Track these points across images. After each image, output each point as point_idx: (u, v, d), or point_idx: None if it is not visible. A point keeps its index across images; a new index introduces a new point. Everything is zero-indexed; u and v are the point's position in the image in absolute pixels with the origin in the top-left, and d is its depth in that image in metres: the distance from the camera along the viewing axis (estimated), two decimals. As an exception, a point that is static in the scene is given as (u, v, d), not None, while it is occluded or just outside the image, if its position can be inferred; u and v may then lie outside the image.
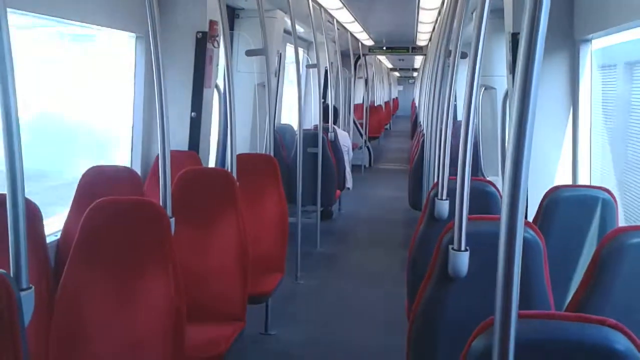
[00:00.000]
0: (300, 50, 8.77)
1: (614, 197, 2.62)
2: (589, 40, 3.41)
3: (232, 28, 5.61)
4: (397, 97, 27.79)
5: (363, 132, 11.34)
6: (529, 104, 1.09)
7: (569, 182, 3.63)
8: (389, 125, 19.74)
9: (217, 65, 4.32)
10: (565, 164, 3.62)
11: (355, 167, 9.13)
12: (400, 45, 11.64)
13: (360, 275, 5.31)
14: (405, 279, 3.03)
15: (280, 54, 6.03)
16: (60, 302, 2.23)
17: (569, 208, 2.62)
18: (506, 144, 4.32)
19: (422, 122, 8.75)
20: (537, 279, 1.90)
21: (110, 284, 2.25)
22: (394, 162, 12.70)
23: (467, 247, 1.87)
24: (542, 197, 3.16)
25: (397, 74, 26.94)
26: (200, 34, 4.00)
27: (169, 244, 2.30)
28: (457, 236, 1.87)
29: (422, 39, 10.24)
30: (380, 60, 17.99)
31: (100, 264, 2.26)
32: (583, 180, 3.54)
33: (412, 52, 11.77)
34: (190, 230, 2.93)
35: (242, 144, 5.41)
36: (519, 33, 3.63)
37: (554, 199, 2.65)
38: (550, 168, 3.68)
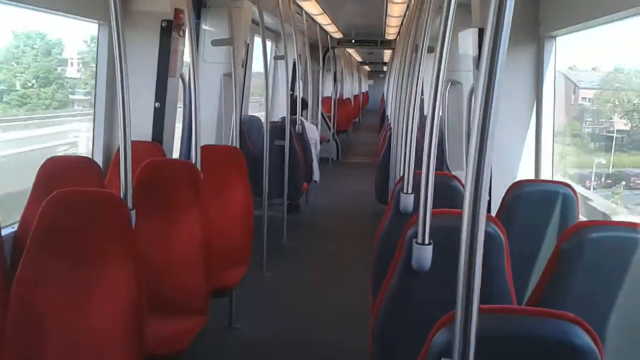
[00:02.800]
0: (268, 42, 8.70)
1: (574, 192, 2.66)
2: (553, 37, 3.45)
3: (198, 17, 5.52)
4: (367, 91, 27.86)
5: (331, 125, 11.33)
6: (492, 99, 1.08)
7: (532, 177, 3.68)
8: (358, 119, 19.78)
9: (183, 54, 4.24)
10: (528, 159, 3.67)
11: (322, 160, 9.12)
12: (369, 39, 11.65)
13: (326, 269, 5.31)
14: (371, 269, 3.04)
15: (248, 44, 5.96)
16: (16, 296, 2.16)
17: (531, 203, 2.65)
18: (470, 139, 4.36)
19: (389, 116, 8.78)
20: (498, 272, 1.91)
21: (68, 277, 2.19)
22: (362, 155, 12.73)
23: (431, 241, 1.87)
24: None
25: (367, 68, 26.98)
26: (165, 22, 3.92)
27: (129, 236, 2.25)
28: (421, 230, 1.87)
29: (390, 33, 10.27)
30: (349, 54, 17.99)
31: (58, 257, 2.19)
32: (545, 175, 3.60)
33: (380, 45, 11.79)
34: (153, 223, 2.87)
35: (207, 136, 5.34)
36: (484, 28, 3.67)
37: (516, 193, 2.68)
38: (514, 163, 3.73)
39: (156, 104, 4.01)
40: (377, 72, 27.35)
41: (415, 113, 2.98)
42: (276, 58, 7.86)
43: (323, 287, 4.81)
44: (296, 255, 5.64)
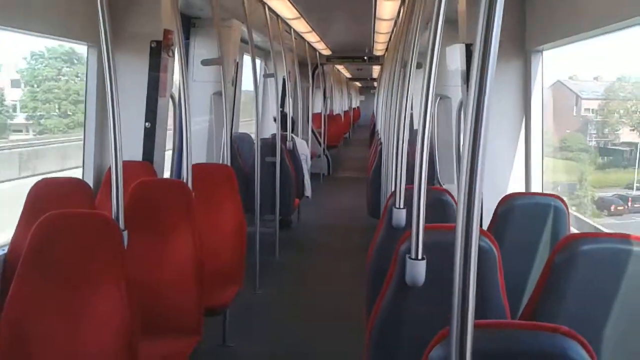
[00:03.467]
0: (258, 60, 8.75)
1: (565, 204, 2.68)
2: (540, 51, 3.49)
3: (187, 37, 5.55)
4: (358, 107, 28.00)
5: (321, 140, 11.36)
6: (482, 113, 1.09)
7: (522, 189, 3.70)
8: (348, 134, 19.84)
9: (172, 74, 4.25)
10: (518, 172, 3.70)
11: (314, 176, 9.13)
12: (357, 55, 11.73)
13: (319, 284, 5.29)
14: (365, 285, 3.03)
15: (237, 63, 5.99)
16: (6, 319, 2.14)
17: (523, 216, 2.67)
18: (461, 153, 4.39)
19: (379, 131, 8.82)
20: (492, 287, 1.92)
21: (59, 299, 2.17)
22: (352, 170, 12.76)
23: (424, 256, 1.87)
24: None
25: (358, 84, 27.16)
26: (155, 43, 3.93)
27: (121, 257, 2.24)
28: (414, 245, 1.87)
29: (378, 49, 10.35)
30: (338, 70, 18.09)
31: (49, 279, 2.18)
32: (535, 187, 3.62)
33: (368, 61, 11.87)
34: (145, 243, 2.86)
35: (198, 154, 5.34)
36: (472, 44, 3.71)
37: (507, 207, 2.69)
38: (504, 176, 3.76)
39: (146, 124, 4.01)
40: (368, 87, 27.54)
41: (405, 128, 3.00)
42: (265, 76, 7.90)
43: (317, 303, 4.79)
44: (289, 271, 5.62)
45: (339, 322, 4.38)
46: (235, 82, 5.91)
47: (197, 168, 3.59)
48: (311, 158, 8.35)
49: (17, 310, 2.13)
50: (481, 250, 1.91)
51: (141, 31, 3.92)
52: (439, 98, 5.48)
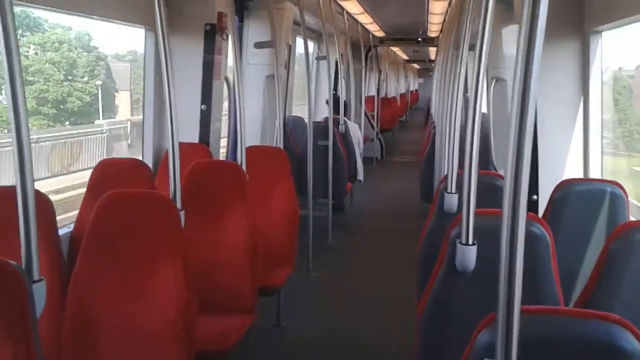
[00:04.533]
0: (310, 43, 8.75)
1: (624, 191, 2.60)
2: (599, 32, 3.37)
3: (241, 20, 5.60)
4: (416, 90, 27.58)
5: (374, 124, 11.29)
6: (528, 94, 1.08)
7: (581, 175, 3.60)
8: (404, 117, 19.60)
9: (227, 57, 4.32)
10: (576, 157, 3.60)
11: (366, 160, 9.11)
12: (411, 37, 11.56)
13: (372, 268, 5.31)
14: (416, 269, 3.04)
15: (290, 45, 6.02)
16: (72, 295, 2.25)
17: (579, 202, 2.60)
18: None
19: (433, 115, 8.71)
20: (545, 273, 1.89)
21: (120, 277, 2.27)
22: (407, 154, 12.64)
23: (475, 241, 1.86)
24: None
25: (416, 65, 26.71)
26: (209, 26, 4.00)
27: (178, 237, 2.32)
28: (465, 230, 1.86)
29: (433, 30, 10.18)
30: (394, 52, 17.86)
31: (111, 257, 2.28)
32: (594, 174, 3.51)
33: (422, 43, 11.69)
34: (200, 223, 2.95)
35: (253, 137, 5.42)
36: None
37: (563, 193, 2.63)
38: (561, 162, 3.66)
39: (202, 107, 4.10)
40: (426, 69, 27.07)
41: (457, 111, 2.96)
42: (318, 59, 7.89)
43: (368, 286, 4.82)
44: (342, 254, 5.67)
45: (390, 305, 4.39)
46: (289, 65, 5.94)
47: (250, 151, 3.65)
48: (364, 142, 8.31)
49: (81, 287, 2.24)
50: (533, 237, 1.89)
51: (195, 14, 4.00)
52: (494, 80, 5.36)
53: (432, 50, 16.47)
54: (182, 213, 2.44)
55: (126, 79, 11.55)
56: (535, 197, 3.64)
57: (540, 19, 1.05)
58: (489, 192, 2.78)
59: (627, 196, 2.59)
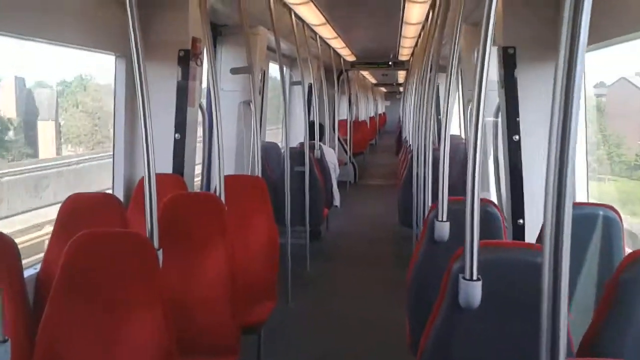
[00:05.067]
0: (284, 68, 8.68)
1: (618, 214, 2.52)
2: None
3: (214, 45, 5.49)
4: (384, 113, 27.77)
5: (347, 148, 11.25)
6: (571, 110, 0.97)
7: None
8: (374, 140, 19.67)
9: (201, 83, 4.19)
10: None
11: (340, 184, 9.01)
12: (382, 61, 11.61)
13: (353, 296, 5.17)
14: (406, 301, 2.91)
15: (264, 71, 5.92)
16: (41, 343, 2.06)
17: (573, 227, 2.52)
18: (499, 159, 4.24)
19: (407, 138, 8.68)
20: None
21: (94, 323, 2.09)
22: (379, 177, 12.61)
23: (479, 276, 1.75)
24: (540, 217, 3.01)
25: (383, 89, 26.98)
26: (183, 52, 3.87)
27: (156, 278, 2.15)
28: (469, 265, 1.74)
29: (404, 54, 10.22)
30: (363, 76, 17.98)
31: (84, 302, 2.10)
32: (580, 197, 3.45)
33: (393, 67, 11.74)
34: (178, 260, 2.77)
35: (227, 165, 5.25)
36: (510, 47, 3.56)
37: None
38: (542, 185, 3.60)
39: (176, 135, 3.94)
40: (393, 93, 27.34)
41: (448, 135, 2.88)
42: (293, 84, 7.82)
43: (351, 315, 4.67)
44: (321, 283, 5.51)
45: (375, 334, 4.26)
46: (263, 90, 5.83)
47: (228, 180, 3.50)
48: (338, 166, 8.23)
49: (52, 334, 2.05)
50: (540, 267, 1.78)
51: (168, 40, 3.86)
52: (470, 103, 5.34)
53: (401, 74, 16.62)
54: (159, 252, 2.28)
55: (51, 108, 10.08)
56: (521, 221, 3.57)
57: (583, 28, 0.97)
58: (480, 219, 2.69)
59: (621, 220, 2.52)
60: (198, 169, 4.92)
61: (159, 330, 2.10)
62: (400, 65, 11.52)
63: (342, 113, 13.05)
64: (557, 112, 1.00)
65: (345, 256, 6.56)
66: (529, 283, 1.77)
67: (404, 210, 6.25)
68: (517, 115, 3.48)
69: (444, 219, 2.62)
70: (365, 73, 17.01)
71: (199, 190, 4.64)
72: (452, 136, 4.29)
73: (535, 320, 1.82)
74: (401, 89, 23.68)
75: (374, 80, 21.11)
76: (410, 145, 7.32)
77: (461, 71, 5.62)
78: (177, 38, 3.85)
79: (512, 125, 3.52)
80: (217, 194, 3.30)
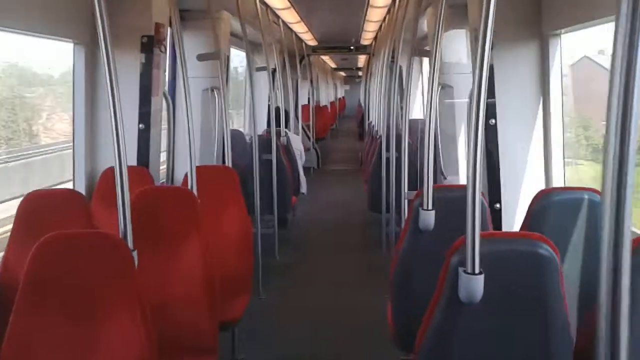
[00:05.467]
0: (243, 53, 8.46)
1: None
2: (558, 35, 3.30)
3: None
4: (343, 97, 27.66)
5: (310, 134, 11.13)
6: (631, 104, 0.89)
7: (542, 182, 3.52)
8: (335, 125, 19.60)
9: (165, 71, 4.00)
10: (538, 164, 3.51)
11: (304, 170, 8.91)
12: (344, 45, 11.51)
13: (325, 285, 5.09)
14: (390, 292, 2.83)
15: (228, 57, 5.74)
16: (8, 356, 1.90)
17: (559, 212, 2.48)
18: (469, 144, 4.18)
19: (373, 123, 8.61)
20: (555, 298, 1.72)
21: (67, 333, 1.93)
22: (342, 162, 12.55)
23: (481, 270, 1.67)
24: (515, 201, 2.98)
25: (342, 73, 26.83)
26: (146, 38, 3.67)
27: (133, 281, 2.00)
28: (470, 258, 1.66)
29: (366, 38, 10.13)
30: (323, 61, 17.83)
31: (54, 311, 1.93)
32: (557, 183, 3.44)
33: (355, 51, 11.65)
34: (151, 259, 2.62)
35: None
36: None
37: (543, 203, 2.49)
38: (522, 168, 3.57)
39: (140, 126, 3.76)
40: (352, 77, 27.21)
41: (431, 125, 2.80)
42: (258, 69, 7.64)
43: (324, 305, 4.59)
44: (292, 272, 5.41)
45: (349, 323, 4.20)
46: (227, 76, 5.65)
47: (198, 171, 3.35)
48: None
49: (19, 347, 1.88)
50: (543, 259, 1.71)
51: (130, 25, 3.66)
52: (440, 87, 5.28)
53: (361, 58, 16.55)
54: (134, 254, 2.12)
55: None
56: (497, 205, 3.53)
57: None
58: (464, 208, 2.62)
59: None
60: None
61: (139, 336, 1.97)
62: (362, 49, 11.45)
63: (303, 99, 12.92)
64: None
65: (315, 244, 6.47)
66: (531, 275, 1.71)
67: (374, 197, 6.19)
68: (494, 99, 3.44)
69: (430, 207, 2.54)
70: (325, 58, 16.89)
71: (163, 182, 4.45)
72: (417, 120, 4.25)
73: (538, 314, 1.77)
74: (360, 73, 23.64)
75: (333, 65, 21.00)
76: (377, 131, 7.25)
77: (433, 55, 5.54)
78: (139, 23, 3.65)
79: (489, 109, 3.46)
80: (189, 186, 3.14)
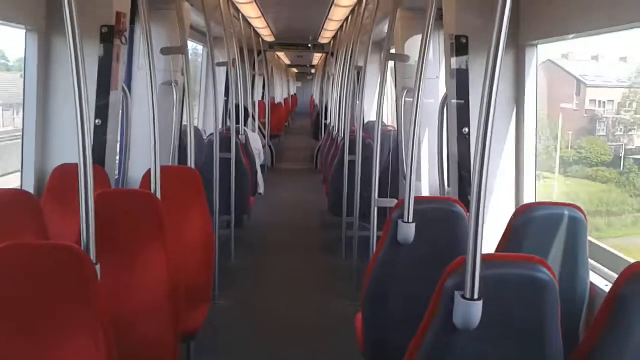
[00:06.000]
0: (200, 46, 8.20)
1: (583, 214, 2.46)
2: (534, 45, 3.27)
3: (132, 22, 5.01)
4: (295, 94, 27.47)
5: (265, 131, 10.94)
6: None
7: (511, 197, 3.48)
8: (287, 122, 19.41)
9: (124, 64, 3.77)
10: (509, 175, 3.47)
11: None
12: (301, 42, 11.37)
13: (282, 289, 4.95)
14: (361, 303, 2.72)
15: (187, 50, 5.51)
16: None
17: (539, 228, 2.43)
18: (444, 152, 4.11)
19: (332, 124, 8.51)
20: (552, 323, 1.66)
21: (22, 352, 1.74)
22: (296, 161, 12.40)
23: (480, 295, 1.57)
24: (489, 216, 2.92)
25: (295, 70, 26.61)
26: (106, 28, 3.44)
27: (94, 297, 1.82)
28: (470, 283, 1.56)
29: (325, 37, 10.02)
30: (279, 57, 17.63)
31: (7, 331, 1.73)
32: (528, 197, 3.41)
33: (313, 49, 11.53)
34: (112, 268, 2.41)
35: (144, 154, 4.83)
36: (462, 36, 3.43)
37: (523, 219, 2.44)
38: (493, 177, 3.53)
39: (96, 121, 3.52)
40: (304, 73, 27.03)
41: (415, 133, 2.71)
42: (219, 64, 7.41)
43: (285, 311, 4.46)
44: (248, 276, 5.24)
45: (310, 330, 4.09)
46: (186, 71, 5.43)
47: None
48: (258, 150, 7.92)
49: None
50: (543, 284, 1.64)
51: (89, 13, 3.41)
52: (405, 90, 5.22)
53: (317, 56, 16.44)
54: (97, 267, 1.94)
55: None
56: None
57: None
58: (445, 220, 2.54)
59: (586, 219, 2.46)
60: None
61: (100, 355, 1.79)
62: (320, 47, 11.33)
63: (259, 95, 12.70)
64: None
65: (271, 245, 6.32)
66: (530, 300, 1.64)
67: (334, 199, 6.09)
68: (468, 107, 3.38)
69: (410, 220, 2.45)
70: (280, 54, 16.69)
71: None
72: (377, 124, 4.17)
73: (534, 339, 1.70)
74: (313, 70, 23.50)
75: (288, 61, 20.81)
76: (337, 132, 7.15)
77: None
78: (98, 12, 3.42)
79: (462, 118, 3.41)
80: (152, 189, 2.95)
